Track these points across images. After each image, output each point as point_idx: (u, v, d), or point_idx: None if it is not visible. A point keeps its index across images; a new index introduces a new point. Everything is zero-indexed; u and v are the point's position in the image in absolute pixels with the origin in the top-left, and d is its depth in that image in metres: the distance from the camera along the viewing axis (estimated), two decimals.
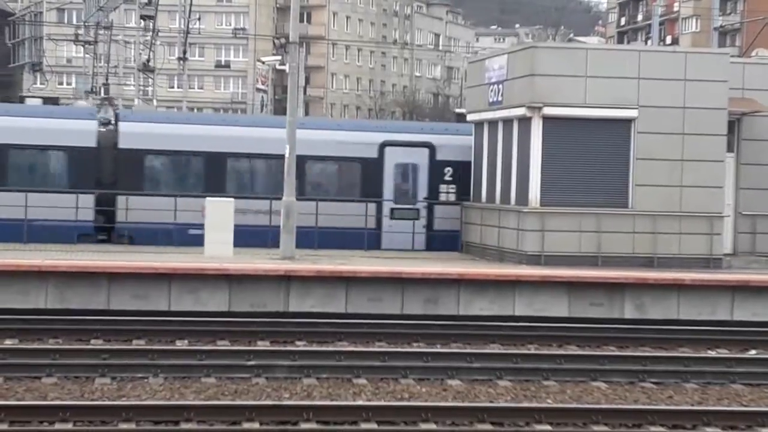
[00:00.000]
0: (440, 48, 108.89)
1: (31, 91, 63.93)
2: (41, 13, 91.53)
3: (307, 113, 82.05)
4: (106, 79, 57.86)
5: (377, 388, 15.15)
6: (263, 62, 66.89)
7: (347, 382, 15.40)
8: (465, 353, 17.30)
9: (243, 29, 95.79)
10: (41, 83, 69.21)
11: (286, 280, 21.24)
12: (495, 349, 18.51)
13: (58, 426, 12.21)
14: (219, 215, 23.56)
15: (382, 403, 14.07)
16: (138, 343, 17.85)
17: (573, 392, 15.34)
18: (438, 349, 18.21)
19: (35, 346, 17.19)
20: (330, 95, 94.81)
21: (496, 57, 27.12)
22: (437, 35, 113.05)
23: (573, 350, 18.62)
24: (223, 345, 17.95)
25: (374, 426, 12.80)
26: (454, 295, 21.62)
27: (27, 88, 68.57)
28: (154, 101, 55.25)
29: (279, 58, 43.06)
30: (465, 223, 27.58)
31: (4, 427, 12.03)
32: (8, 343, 17.40)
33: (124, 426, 12.36)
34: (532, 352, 18.06)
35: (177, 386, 14.74)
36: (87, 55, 59.89)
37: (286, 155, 24.24)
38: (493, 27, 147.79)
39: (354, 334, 19.02)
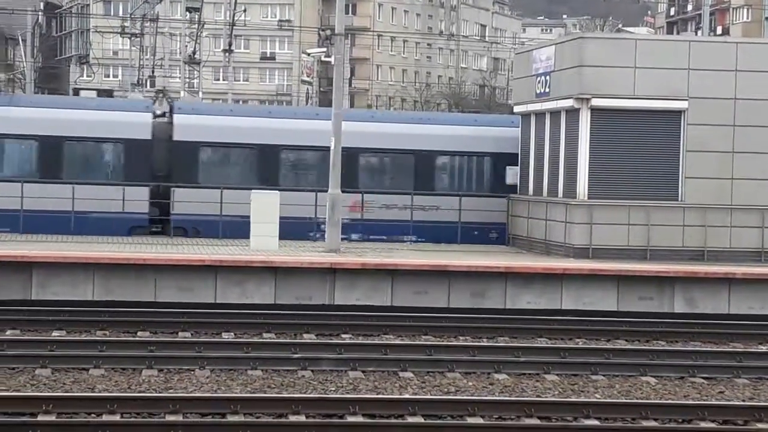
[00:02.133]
0: (486, 39, 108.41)
1: (78, 84, 64.41)
2: (88, 5, 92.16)
3: (352, 105, 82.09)
4: (152, 72, 58.17)
5: (423, 381, 15.06)
6: (308, 54, 66.78)
7: (393, 375, 15.32)
8: (512, 347, 17.18)
9: (288, 21, 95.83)
10: (88, 75, 69.67)
11: (332, 272, 21.20)
12: (542, 343, 18.37)
13: (105, 417, 12.23)
14: (265, 208, 23.55)
15: (429, 396, 13.99)
16: (184, 336, 17.88)
17: (621, 387, 15.17)
18: (485, 342, 18.09)
19: (83, 337, 17.27)
20: (375, 87, 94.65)
21: (543, 48, 26.87)
22: (483, 26, 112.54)
23: (622, 345, 18.43)
24: (269, 338, 17.94)
25: (420, 420, 12.71)
26: (501, 288, 21.47)
27: (74, 80, 69.05)
28: (200, 93, 55.46)
29: (324, 49, 42.96)
30: (511, 216, 27.39)
31: (52, 418, 12.06)
32: (56, 334, 17.50)
33: (171, 418, 12.35)
34: (580, 346, 17.90)
35: (223, 378, 14.74)
36: (133, 48, 60.20)
37: (332, 148, 24.19)
38: (540, 18, 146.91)
39: (400, 327, 18.94)
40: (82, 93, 30.63)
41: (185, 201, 25.99)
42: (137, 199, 26.04)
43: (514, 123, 28.44)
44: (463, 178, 28.35)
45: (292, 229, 24.61)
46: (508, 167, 27.78)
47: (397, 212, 26.96)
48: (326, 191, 24.17)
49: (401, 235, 26.72)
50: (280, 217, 23.57)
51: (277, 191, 24.36)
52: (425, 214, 27.02)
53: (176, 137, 26.99)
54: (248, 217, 23.72)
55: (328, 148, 24.30)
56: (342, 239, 24.30)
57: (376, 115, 34.41)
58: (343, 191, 24.23)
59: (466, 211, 26.69)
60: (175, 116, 27.41)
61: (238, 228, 24.87)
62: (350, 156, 25.80)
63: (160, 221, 26.79)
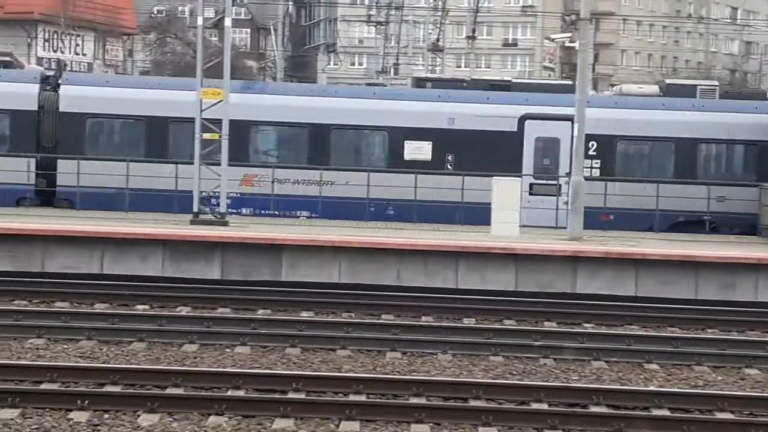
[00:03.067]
0: (738, 22, 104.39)
1: (325, 72, 66.12)
2: None
3: (595, 89, 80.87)
4: (397, 59, 59.09)
5: (669, 374, 14.71)
6: (552, 40, 66.33)
7: (638, 366, 15.03)
8: (764, 341, 16.52)
9: (532, 6, 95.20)
10: (334, 63, 71.43)
11: (574, 260, 20.97)
12: None
13: (352, 397, 12.53)
14: (506, 194, 23.52)
15: (676, 389, 13.64)
16: (427, 320, 18.11)
17: None
18: (735, 336, 17.49)
19: (330, 319, 17.77)
20: (619, 72, 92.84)
21: None
22: (735, 8, 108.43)
23: None
24: (510, 324, 17.94)
25: (667, 413, 12.42)
26: (752, 280, 20.67)
27: (321, 68, 70.93)
28: None
29: (569, 35, 42.49)
30: (764, 206, 26.29)
31: (301, 396, 12.47)
32: (305, 315, 18.07)
33: (414, 400, 12.54)
34: None
35: (465, 363, 14.85)
36: (378, 36, 61.34)
37: (575, 134, 23.91)
38: None
39: (644, 318, 18.56)
40: None
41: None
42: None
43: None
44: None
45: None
46: (406, 141, 26.64)
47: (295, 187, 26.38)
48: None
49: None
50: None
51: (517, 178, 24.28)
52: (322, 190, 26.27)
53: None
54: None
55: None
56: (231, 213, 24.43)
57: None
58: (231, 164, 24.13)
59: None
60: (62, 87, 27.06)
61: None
62: (240, 129, 25.32)
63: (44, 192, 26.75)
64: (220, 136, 23.89)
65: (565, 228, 24.48)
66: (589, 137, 24.97)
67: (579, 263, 20.94)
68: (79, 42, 60.58)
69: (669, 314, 18.81)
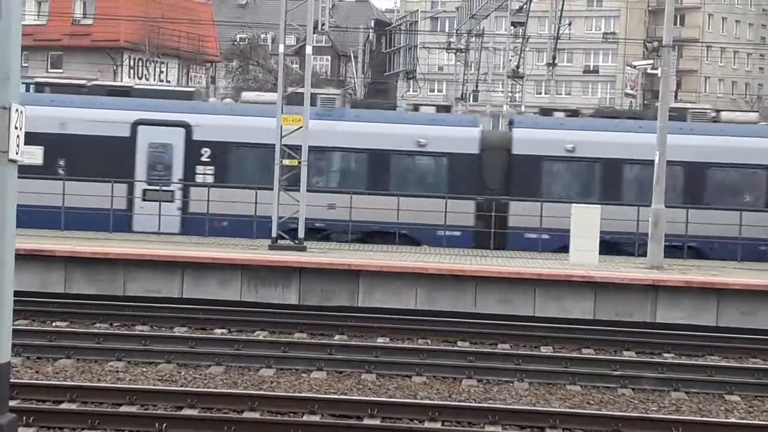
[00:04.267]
0: None
1: (405, 98, 66.39)
2: (416, 22, 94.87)
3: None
4: (476, 86, 59.13)
5: (751, 405, 14.44)
6: (634, 66, 65.85)
7: (719, 398, 14.78)
8: None
9: (613, 33, 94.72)
10: (414, 90, 71.70)
11: (654, 289, 20.72)
12: None
13: (427, 425, 12.50)
14: (585, 222, 23.35)
15: (756, 422, 13.38)
16: (503, 347, 18.01)
17: None
18: None
19: (406, 345, 17.76)
20: (702, 99, 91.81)
21: None
22: None
23: None
24: (588, 353, 17.76)
25: None
26: None
27: (400, 95, 71.29)
28: (522, 107, 55.78)
29: (651, 62, 42.19)
30: None
31: (377, 422, 12.46)
32: (380, 341, 18.08)
33: (490, 428, 12.47)
34: None
35: (542, 392, 14.73)
36: (458, 63, 61.43)
37: (656, 161, 23.68)
38: None
39: (726, 348, 18.25)
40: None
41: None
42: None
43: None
44: None
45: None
46: None
47: None
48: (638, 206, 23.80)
49: None
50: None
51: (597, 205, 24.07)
52: None
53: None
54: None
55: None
56: None
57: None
58: None
59: None
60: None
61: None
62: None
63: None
64: (299, 162, 24.09)
65: (175, 233, 25.58)
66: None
67: (659, 292, 20.69)
68: (163, 69, 61.66)
69: (751, 345, 18.48)
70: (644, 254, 23.77)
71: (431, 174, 27.19)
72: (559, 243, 25.42)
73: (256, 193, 25.52)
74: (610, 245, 25.37)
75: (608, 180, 26.72)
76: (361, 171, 27.18)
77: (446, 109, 30.58)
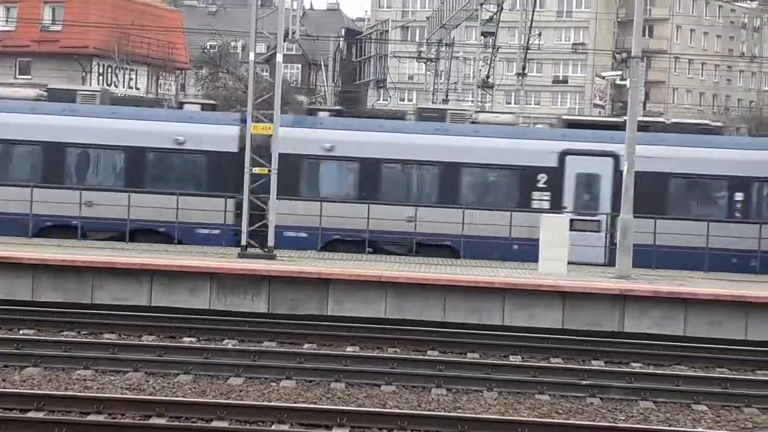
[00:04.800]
0: None
1: (375, 107, 66.48)
2: (387, 31, 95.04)
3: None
4: (446, 95, 59.22)
5: (718, 415, 14.53)
6: (603, 77, 66.21)
7: (686, 407, 14.85)
8: None
9: (582, 44, 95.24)
10: (384, 99, 71.79)
11: (622, 299, 20.82)
12: None
13: None
14: (554, 232, 23.44)
15: (723, 431, 13.49)
16: (473, 357, 18.04)
17: None
18: None
19: (375, 354, 17.75)
20: (670, 110, 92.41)
21: None
22: None
23: None
24: (556, 362, 17.82)
25: None
26: None
27: (371, 104, 71.36)
28: None
29: (619, 73, 42.45)
30: None
31: (346, 431, 12.45)
32: (350, 350, 18.06)
33: None
34: None
35: (511, 401, 14.76)
36: (428, 72, 61.54)
37: (625, 172, 23.80)
38: None
39: (693, 358, 18.36)
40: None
41: None
42: None
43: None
44: None
45: None
46: None
47: None
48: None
49: None
50: None
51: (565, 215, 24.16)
52: None
53: None
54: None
55: None
56: None
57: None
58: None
59: None
60: None
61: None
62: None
63: None
64: (269, 171, 24.05)
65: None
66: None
67: (627, 302, 20.79)
68: (133, 76, 61.39)
69: (718, 354, 18.61)
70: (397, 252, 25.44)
71: (190, 172, 27.06)
72: (322, 241, 25.97)
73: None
74: (371, 243, 26.05)
75: (367, 179, 26.79)
76: (119, 168, 26.98)
77: (212, 107, 30.34)
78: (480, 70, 56.34)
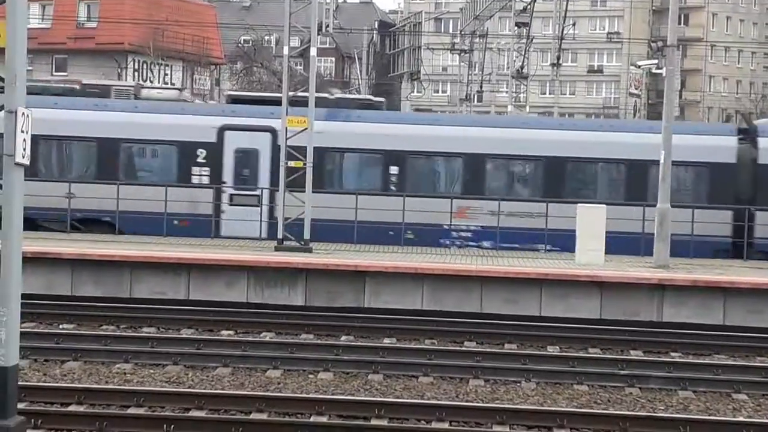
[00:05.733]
0: None
1: (409, 99, 66.39)
2: (420, 23, 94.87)
3: (683, 117, 79.87)
4: (480, 87, 59.09)
5: (758, 404, 14.42)
6: (638, 66, 65.77)
7: (726, 396, 14.76)
8: None
9: (617, 33, 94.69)
10: (418, 91, 71.65)
11: (660, 288, 20.70)
12: None
13: (435, 425, 12.50)
14: (591, 222, 23.31)
15: (764, 420, 13.36)
16: (510, 347, 18.00)
17: None
18: None
19: (412, 345, 17.75)
20: (707, 99, 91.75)
21: None
22: None
23: None
24: (594, 353, 17.74)
25: None
26: None
27: (405, 96, 71.27)
28: (527, 108, 55.73)
29: (655, 61, 42.09)
30: None
31: (384, 423, 12.46)
32: (387, 341, 18.08)
33: (497, 428, 12.47)
34: None
35: (549, 392, 14.72)
36: (462, 63, 61.41)
37: (661, 161, 23.65)
38: None
39: (732, 347, 18.23)
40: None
41: None
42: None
43: None
44: None
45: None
46: None
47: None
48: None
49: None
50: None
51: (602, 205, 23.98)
52: None
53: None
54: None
55: None
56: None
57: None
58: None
59: None
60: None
61: None
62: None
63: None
64: (304, 164, 24.10)
65: None
66: None
67: (665, 291, 20.67)
68: (168, 72, 61.70)
69: (758, 343, 18.46)
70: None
71: None
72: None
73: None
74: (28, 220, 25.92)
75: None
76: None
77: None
78: (514, 61, 56.13)
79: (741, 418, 13.46)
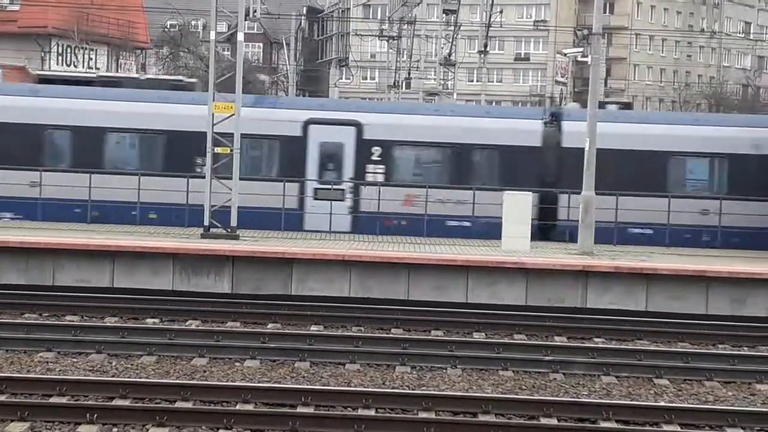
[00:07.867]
0: (751, 36, 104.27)
1: (338, 86, 66.30)
2: (348, 9, 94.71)
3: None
4: (408, 74, 59.16)
5: (680, 389, 14.67)
6: (564, 54, 66.27)
7: (648, 381, 14.99)
8: None
9: (544, 21, 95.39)
10: (346, 78, 71.56)
11: (584, 275, 20.94)
12: None
13: (361, 412, 12.52)
14: (516, 209, 23.50)
15: (685, 405, 13.59)
16: (437, 334, 18.09)
17: None
18: (745, 351, 17.42)
19: (339, 332, 17.76)
20: (631, 87, 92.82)
21: None
22: (748, 23, 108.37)
23: None
24: (520, 339, 17.91)
25: (677, 428, 12.40)
26: (764, 295, 20.59)
27: (333, 83, 71.13)
28: (455, 95, 55.97)
29: (581, 49, 42.46)
30: None
31: (311, 410, 12.46)
32: (314, 329, 18.06)
33: (423, 415, 12.52)
34: None
35: (475, 378, 14.82)
36: (390, 50, 61.40)
37: (586, 149, 23.89)
38: None
39: (654, 333, 18.51)
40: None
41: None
42: None
43: None
44: None
45: None
46: None
47: None
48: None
49: None
50: None
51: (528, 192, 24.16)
52: None
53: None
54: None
55: None
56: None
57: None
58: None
59: None
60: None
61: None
62: None
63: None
64: (231, 150, 23.94)
65: None
66: None
67: (589, 278, 20.91)
68: (93, 56, 60.84)
69: (679, 329, 18.75)
70: None
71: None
72: None
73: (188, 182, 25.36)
74: None
75: None
76: None
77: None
78: (442, 48, 56.30)
79: (663, 403, 13.67)
